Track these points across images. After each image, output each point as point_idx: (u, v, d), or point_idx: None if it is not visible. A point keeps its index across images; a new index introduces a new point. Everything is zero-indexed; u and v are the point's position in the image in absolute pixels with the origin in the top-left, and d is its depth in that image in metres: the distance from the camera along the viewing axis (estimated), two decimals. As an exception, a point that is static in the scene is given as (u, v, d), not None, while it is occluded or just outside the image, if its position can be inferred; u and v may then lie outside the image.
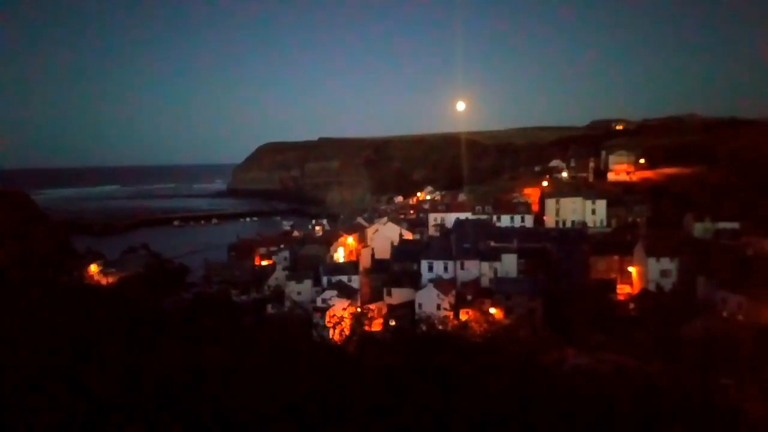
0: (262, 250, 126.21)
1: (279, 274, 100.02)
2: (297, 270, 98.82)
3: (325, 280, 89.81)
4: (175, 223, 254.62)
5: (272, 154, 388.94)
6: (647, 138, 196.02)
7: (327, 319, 60.68)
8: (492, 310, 75.95)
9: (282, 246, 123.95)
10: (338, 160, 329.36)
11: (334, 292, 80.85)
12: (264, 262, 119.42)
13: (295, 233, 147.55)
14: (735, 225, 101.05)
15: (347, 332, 24.15)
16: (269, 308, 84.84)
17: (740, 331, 65.27)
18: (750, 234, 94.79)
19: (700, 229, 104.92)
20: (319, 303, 78.95)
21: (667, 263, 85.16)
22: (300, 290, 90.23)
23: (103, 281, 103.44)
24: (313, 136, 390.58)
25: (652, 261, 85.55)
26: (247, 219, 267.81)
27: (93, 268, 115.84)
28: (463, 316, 73.62)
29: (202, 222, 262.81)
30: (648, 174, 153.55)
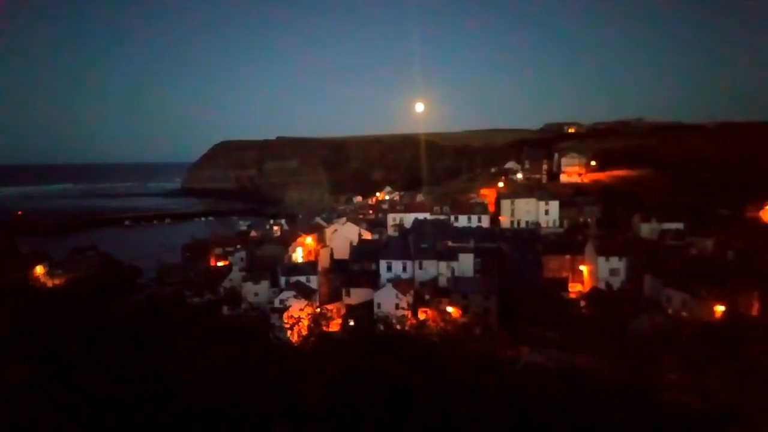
0: (218, 250, 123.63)
1: (235, 275, 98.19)
2: (254, 271, 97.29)
3: (282, 280, 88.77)
4: (126, 223, 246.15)
5: (228, 152, 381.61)
6: (598, 141, 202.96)
7: (285, 320, 60.20)
8: (449, 309, 77.00)
9: (238, 246, 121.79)
10: (296, 159, 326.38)
11: (292, 293, 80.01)
12: (220, 263, 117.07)
13: (252, 233, 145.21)
14: (679, 225, 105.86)
15: (305, 333, 24.08)
16: (225, 310, 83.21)
17: (684, 327, 68.53)
18: (693, 234, 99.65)
19: (647, 229, 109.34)
20: (276, 304, 77.99)
21: (616, 262, 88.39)
22: (257, 291, 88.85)
23: (50, 283, 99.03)
24: (271, 135, 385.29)
25: (602, 260, 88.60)
26: (202, 219, 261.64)
27: (39, 269, 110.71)
28: (422, 315, 74.31)
29: (154, 222, 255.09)
30: (598, 176, 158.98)
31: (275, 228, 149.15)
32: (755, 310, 68.67)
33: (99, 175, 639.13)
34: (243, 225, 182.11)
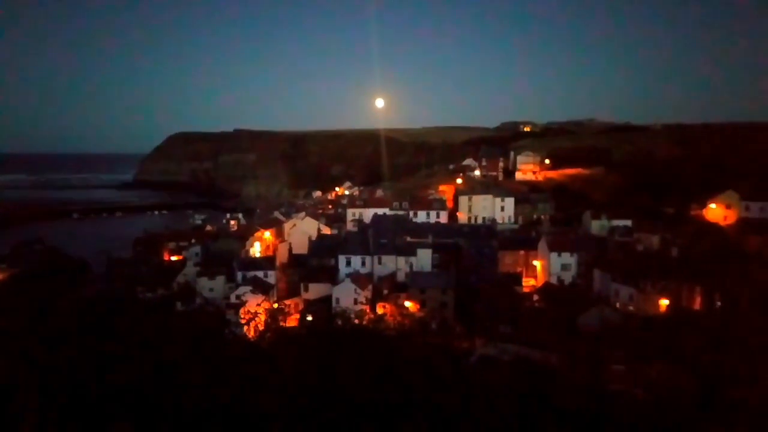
0: (171, 245, 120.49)
1: (190, 271, 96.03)
2: (209, 266, 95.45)
3: (239, 275, 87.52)
4: (74, 215, 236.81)
5: (184, 144, 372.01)
6: (551, 140, 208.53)
7: (241, 315, 59.34)
8: (407, 304, 77.79)
9: (193, 241, 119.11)
10: (254, 152, 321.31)
11: (249, 288, 79.03)
12: (173, 258, 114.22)
13: (208, 228, 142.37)
14: (627, 223, 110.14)
15: (261, 328, 23.87)
16: (178, 306, 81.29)
17: (630, 320, 71.50)
18: (640, 231, 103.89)
19: (597, 226, 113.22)
20: (233, 299, 76.85)
21: (567, 258, 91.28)
22: (212, 287, 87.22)
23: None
24: (228, 127, 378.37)
25: (554, 256, 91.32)
26: (156, 212, 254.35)
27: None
28: (380, 310, 74.76)
29: (104, 215, 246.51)
30: (552, 174, 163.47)
31: (232, 222, 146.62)
32: (697, 303, 72.34)
33: (53, 166, 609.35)
34: (198, 219, 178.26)
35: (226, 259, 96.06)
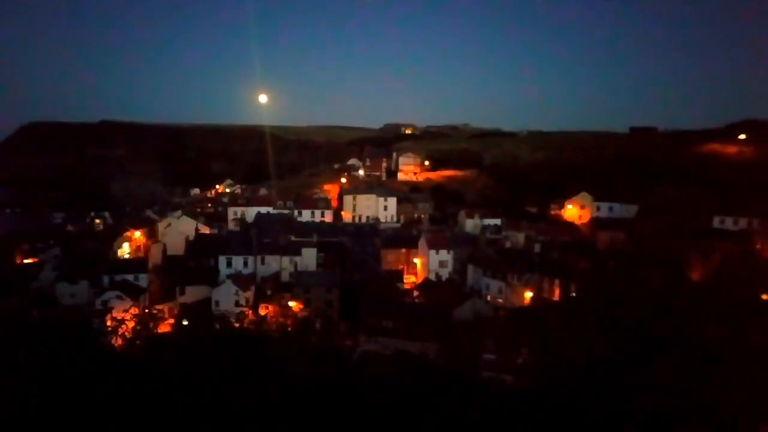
0: (26, 246, 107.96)
1: (48, 275, 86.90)
2: (71, 269, 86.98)
3: (106, 279, 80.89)
4: None
5: (41, 135, 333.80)
6: (430, 143, 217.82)
7: (108, 323, 55.05)
8: (291, 304, 77.13)
9: (51, 242, 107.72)
10: (124, 146, 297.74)
11: (116, 293, 73.51)
12: (28, 261, 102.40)
13: (69, 227, 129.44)
14: (497, 221, 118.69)
15: (129, 336, 22.60)
16: (34, 313, 73.21)
17: (500, 312, 77.28)
18: (508, 229, 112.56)
19: (471, 224, 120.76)
20: (98, 305, 70.94)
21: (444, 255, 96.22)
22: (74, 292, 79.75)
23: None
24: (93, 118, 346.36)
25: (432, 253, 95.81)
26: (7, 210, 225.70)
27: None
28: (263, 311, 73.36)
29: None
30: (431, 175, 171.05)
31: (97, 221, 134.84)
32: (556, 294, 80.00)
33: None
34: (58, 218, 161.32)
35: (91, 262, 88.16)
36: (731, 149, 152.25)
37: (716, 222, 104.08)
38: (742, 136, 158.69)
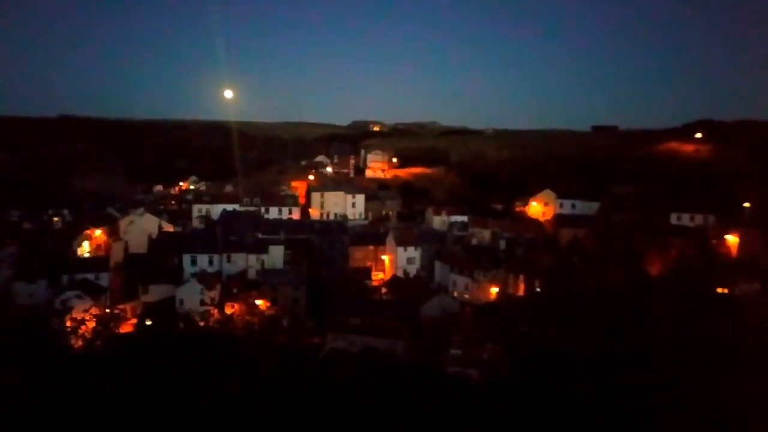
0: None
1: (3, 274, 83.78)
2: (27, 268, 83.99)
3: (65, 278, 78.47)
4: None
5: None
6: (398, 140, 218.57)
7: (67, 323, 53.48)
8: (258, 302, 76.33)
9: (6, 241, 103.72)
10: (83, 141, 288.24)
11: (76, 293, 71.42)
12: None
13: (26, 225, 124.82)
14: (464, 218, 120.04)
15: (89, 336, 22.07)
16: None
17: (466, 307, 78.22)
18: (475, 225, 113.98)
19: (438, 221, 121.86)
20: (57, 305, 68.74)
21: (412, 252, 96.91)
22: (31, 292, 77.11)
23: None
24: (50, 112, 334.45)
25: (400, 250, 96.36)
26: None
27: None
28: (229, 310, 72.44)
29: None
30: (399, 172, 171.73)
31: (55, 219, 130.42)
32: (521, 290, 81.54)
33: None
34: (13, 216, 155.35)
35: (49, 261, 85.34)
36: (688, 148, 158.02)
37: (674, 219, 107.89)
38: (699, 135, 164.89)
